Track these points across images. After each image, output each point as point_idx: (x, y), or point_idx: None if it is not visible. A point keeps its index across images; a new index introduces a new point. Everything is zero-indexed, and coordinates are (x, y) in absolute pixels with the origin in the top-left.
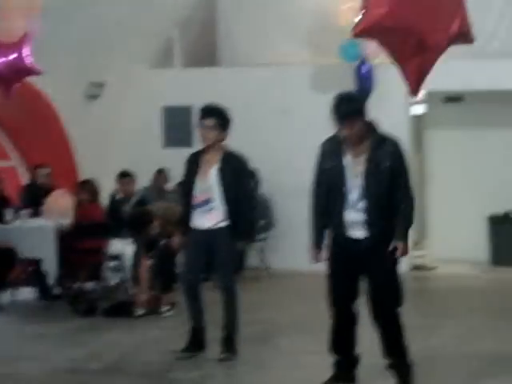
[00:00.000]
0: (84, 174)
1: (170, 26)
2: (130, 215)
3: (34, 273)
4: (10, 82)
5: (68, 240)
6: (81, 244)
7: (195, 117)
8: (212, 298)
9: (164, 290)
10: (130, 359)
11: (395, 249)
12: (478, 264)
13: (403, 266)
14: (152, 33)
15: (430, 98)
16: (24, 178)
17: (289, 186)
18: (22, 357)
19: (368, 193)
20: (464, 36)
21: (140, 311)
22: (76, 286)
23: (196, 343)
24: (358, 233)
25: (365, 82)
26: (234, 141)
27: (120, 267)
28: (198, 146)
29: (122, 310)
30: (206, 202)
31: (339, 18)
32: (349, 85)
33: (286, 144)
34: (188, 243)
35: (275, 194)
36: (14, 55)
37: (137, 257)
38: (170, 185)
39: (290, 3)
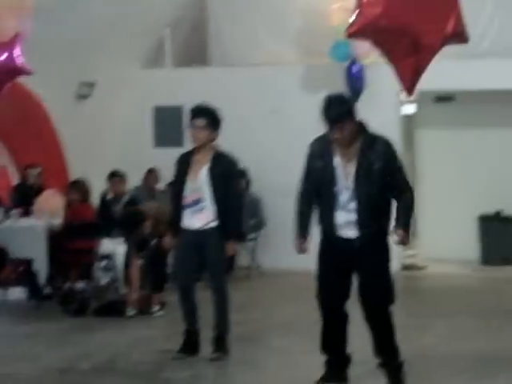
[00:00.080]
0: (75, 173)
1: (161, 26)
2: (122, 215)
3: (24, 273)
4: (1, 83)
5: (59, 240)
6: (71, 244)
7: (186, 116)
8: (203, 297)
9: (155, 290)
10: (121, 359)
11: (386, 248)
12: (468, 263)
13: (394, 265)
14: (143, 33)
15: (421, 98)
16: (15, 178)
17: (279, 185)
18: (13, 357)
19: (359, 193)
20: (459, 36)
21: (131, 312)
22: (67, 285)
23: (190, 346)
24: (349, 233)
25: (355, 82)
26: (225, 140)
27: (111, 267)
28: (188, 145)
29: (112, 309)
30: (197, 202)
31: (330, 17)
32: (339, 85)
33: (276, 144)
34: (179, 244)
35: (266, 194)
36: (5, 55)
37: (128, 257)
38: (161, 185)
39: (281, 3)
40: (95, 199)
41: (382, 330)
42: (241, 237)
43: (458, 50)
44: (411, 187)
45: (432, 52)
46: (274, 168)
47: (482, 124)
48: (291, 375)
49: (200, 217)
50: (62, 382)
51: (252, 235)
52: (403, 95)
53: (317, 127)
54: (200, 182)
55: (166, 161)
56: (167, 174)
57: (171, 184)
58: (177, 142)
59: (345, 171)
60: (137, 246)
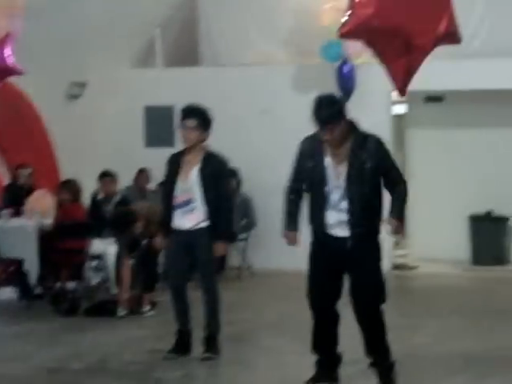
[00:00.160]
0: (65, 173)
1: (152, 26)
2: (113, 215)
3: (15, 272)
4: None
5: (49, 240)
6: (62, 244)
7: (177, 116)
8: (194, 297)
9: (146, 290)
10: (112, 359)
11: (378, 248)
12: (459, 263)
13: (384, 264)
14: (133, 33)
15: (411, 98)
16: (5, 178)
17: (270, 185)
18: (4, 357)
19: (351, 193)
20: (451, 36)
21: (122, 312)
22: (57, 285)
23: (182, 346)
24: (340, 232)
25: (346, 82)
26: (216, 140)
27: (101, 267)
28: (179, 145)
29: (103, 309)
30: (187, 202)
31: (321, 17)
32: (330, 85)
33: (267, 143)
34: (170, 244)
35: (256, 194)
36: None
37: (119, 257)
38: (152, 185)
39: (272, 3)
40: (86, 199)
41: (374, 329)
42: (231, 237)
43: (448, 50)
44: (405, 180)
45: (424, 52)
46: (265, 168)
47: (473, 124)
48: (282, 375)
49: (191, 217)
50: (52, 382)
51: (243, 235)
52: (394, 95)
53: (308, 127)
54: (191, 182)
55: (156, 161)
56: (158, 174)
57: (162, 184)
58: (168, 142)
59: (336, 171)
60: (128, 246)
